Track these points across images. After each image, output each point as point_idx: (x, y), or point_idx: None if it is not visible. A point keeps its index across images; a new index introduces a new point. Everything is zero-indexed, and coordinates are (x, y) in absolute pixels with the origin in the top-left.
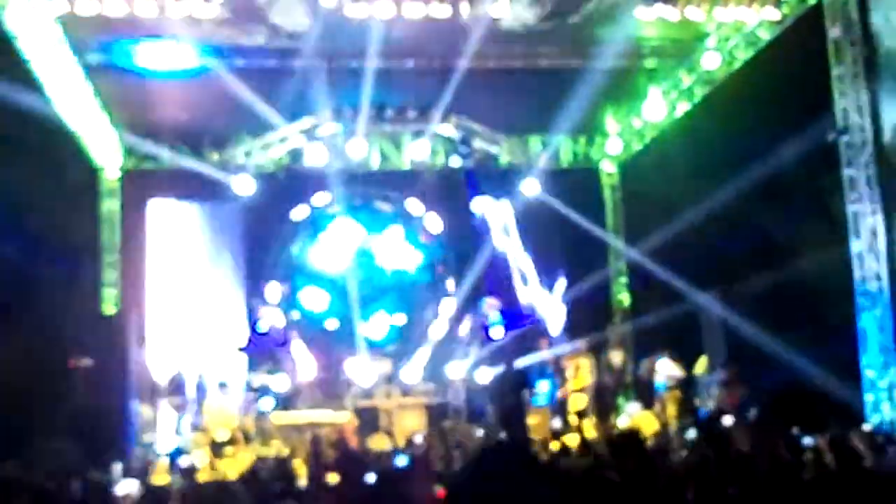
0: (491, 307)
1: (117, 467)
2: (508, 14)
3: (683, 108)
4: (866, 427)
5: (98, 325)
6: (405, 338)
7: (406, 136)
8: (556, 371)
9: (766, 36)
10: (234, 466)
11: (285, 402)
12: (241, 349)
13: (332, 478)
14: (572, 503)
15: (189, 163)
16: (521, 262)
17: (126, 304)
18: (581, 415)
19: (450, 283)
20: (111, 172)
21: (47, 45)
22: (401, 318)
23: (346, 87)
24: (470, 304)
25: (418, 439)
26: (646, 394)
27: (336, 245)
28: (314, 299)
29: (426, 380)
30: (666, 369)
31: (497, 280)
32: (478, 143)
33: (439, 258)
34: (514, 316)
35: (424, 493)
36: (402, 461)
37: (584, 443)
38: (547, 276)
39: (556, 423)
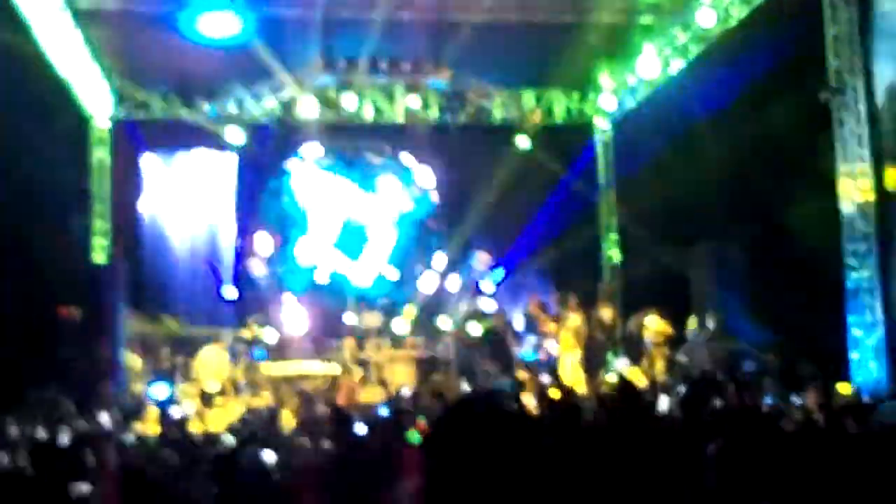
0: (481, 261)
1: (106, 416)
2: None
3: (678, 65)
4: (852, 385)
5: (87, 275)
6: (396, 291)
7: (399, 89)
8: (543, 327)
9: None
10: (223, 417)
11: (276, 354)
12: (231, 300)
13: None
14: (559, 454)
15: (180, 112)
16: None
17: (116, 255)
18: (570, 370)
19: (441, 237)
20: (102, 122)
21: None
22: (392, 271)
23: (339, 39)
24: (461, 257)
25: (405, 392)
26: (634, 350)
27: (327, 197)
28: (305, 251)
29: (417, 333)
30: (654, 326)
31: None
32: (471, 97)
33: (431, 212)
34: (505, 269)
35: (403, 442)
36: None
37: (573, 396)
38: (538, 232)
39: (546, 378)
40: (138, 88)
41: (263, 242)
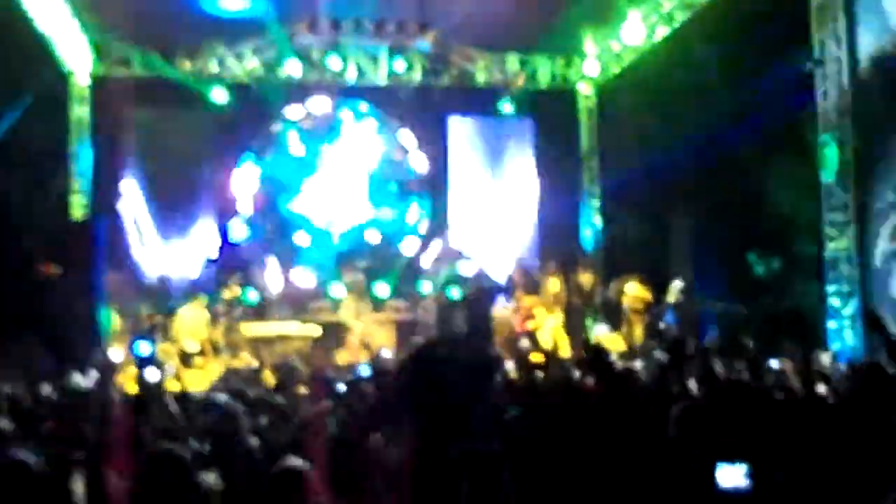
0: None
1: (84, 375)
2: None
3: (662, 32)
4: (829, 353)
5: (66, 233)
6: (378, 253)
7: (383, 51)
8: (519, 296)
9: None
10: (202, 378)
11: (255, 315)
12: (211, 260)
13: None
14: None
15: (161, 70)
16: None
17: (96, 212)
18: (552, 334)
19: (423, 199)
20: (82, 78)
21: None
22: (374, 234)
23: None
24: (443, 220)
25: (385, 353)
26: (613, 316)
27: (310, 158)
28: (286, 212)
29: (397, 296)
30: (634, 292)
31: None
32: (455, 60)
33: (413, 174)
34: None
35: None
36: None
37: (553, 358)
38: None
39: (525, 342)
40: (118, 44)
41: (245, 203)
